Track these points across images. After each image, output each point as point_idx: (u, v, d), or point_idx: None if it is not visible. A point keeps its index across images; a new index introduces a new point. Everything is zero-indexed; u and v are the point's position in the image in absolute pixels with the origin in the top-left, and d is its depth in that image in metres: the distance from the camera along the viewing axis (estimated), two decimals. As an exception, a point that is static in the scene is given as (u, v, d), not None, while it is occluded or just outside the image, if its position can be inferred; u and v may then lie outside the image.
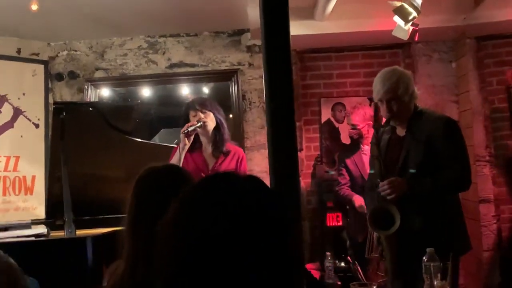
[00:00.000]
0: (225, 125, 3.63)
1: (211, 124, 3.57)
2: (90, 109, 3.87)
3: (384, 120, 3.26)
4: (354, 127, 3.83)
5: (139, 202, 1.81)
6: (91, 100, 5.17)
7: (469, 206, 4.87)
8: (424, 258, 2.55)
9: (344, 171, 4.51)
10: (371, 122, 3.94)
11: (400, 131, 3.18)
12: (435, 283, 2.43)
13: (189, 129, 3.48)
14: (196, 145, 3.65)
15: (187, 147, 3.49)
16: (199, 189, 1.24)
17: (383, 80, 3.09)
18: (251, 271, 1.15)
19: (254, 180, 1.27)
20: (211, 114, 3.57)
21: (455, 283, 2.52)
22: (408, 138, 3.10)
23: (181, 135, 3.49)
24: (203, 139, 3.65)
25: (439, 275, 2.44)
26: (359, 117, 4.47)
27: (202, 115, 3.56)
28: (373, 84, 3.19)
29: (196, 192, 1.23)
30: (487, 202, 4.72)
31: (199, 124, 3.52)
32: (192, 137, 3.53)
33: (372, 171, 3.32)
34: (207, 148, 3.64)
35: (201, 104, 3.59)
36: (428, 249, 2.54)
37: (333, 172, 4.95)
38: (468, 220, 4.85)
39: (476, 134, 4.74)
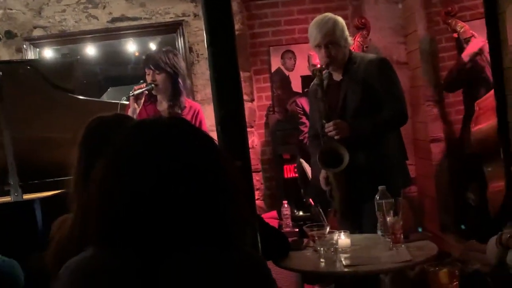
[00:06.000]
0: (181, 83, 3.54)
1: (163, 84, 3.49)
2: (28, 67, 3.69)
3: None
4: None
5: (89, 152, 1.74)
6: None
7: (420, 146, 4.94)
8: (376, 196, 2.57)
9: (304, 119, 4.48)
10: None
11: (337, 76, 3.28)
12: (388, 219, 2.46)
13: (135, 93, 3.39)
14: (151, 98, 3.58)
15: (137, 111, 3.40)
16: (125, 142, 1.19)
17: (319, 26, 3.17)
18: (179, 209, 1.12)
19: (178, 123, 1.23)
20: (164, 75, 3.47)
21: None
22: (345, 82, 3.21)
23: (130, 99, 3.41)
24: (158, 95, 3.57)
25: (391, 211, 2.46)
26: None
27: (153, 77, 3.47)
28: (308, 31, 3.26)
29: (122, 147, 1.19)
30: (438, 141, 4.78)
31: (148, 87, 3.44)
32: (141, 101, 3.45)
33: (312, 120, 3.46)
34: (163, 102, 3.57)
35: (155, 63, 3.48)
36: (380, 187, 2.58)
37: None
38: (421, 159, 4.94)
39: (425, 74, 4.75)
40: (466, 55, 4.36)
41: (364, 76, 3.14)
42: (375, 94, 3.12)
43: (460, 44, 4.53)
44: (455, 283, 1.70)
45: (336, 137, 3.08)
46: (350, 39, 3.25)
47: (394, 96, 3.15)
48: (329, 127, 3.09)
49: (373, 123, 3.10)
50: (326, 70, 3.27)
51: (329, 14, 3.27)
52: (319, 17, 3.27)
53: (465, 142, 4.43)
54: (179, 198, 1.11)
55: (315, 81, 3.29)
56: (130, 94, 3.39)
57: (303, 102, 4.50)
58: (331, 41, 3.14)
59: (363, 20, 4.65)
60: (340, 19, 3.23)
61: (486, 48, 3.90)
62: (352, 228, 2.92)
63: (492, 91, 3.65)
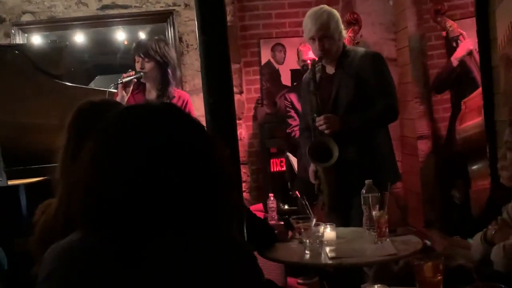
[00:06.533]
0: (171, 73, 3.52)
1: (152, 73, 3.48)
2: (16, 52, 3.65)
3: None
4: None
5: (78, 134, 1.73)
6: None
7: (407, 142, 4.97)
8: (362, 190, 2.58)
9: (292, 113, 4.48)
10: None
11: (330, 70, 3.26)
12: (374, 213, 2.47)
13: (124, 81, 3.38)
14: (140, 87, 3.56)
15: (125, 98, 3.39)
16: (114, 125, 1.18)
17: (314, 18, 3.14)
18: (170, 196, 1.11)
19: (168, 108, 1.23)
20: (153, 64, 3.46)
21: None
22: (338, 75, 3.19)
23: (118, 86, 3.41)
24: (147, 83, 3.56)
25: (377, 205, 2.47)
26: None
27: (142, 65, 3.46)
28: (303, 23, 3.24)
29: (111, 129, 1.18)
30: (425, 138, 4.80)
31: (137, 75, 3.43)
32: (130, 89, 3.43)
33: (303, 112, 3.43)
34: (152, 91, 3.55)
35: (145, 51, 3.47)
36: (366, 181, 2.59)
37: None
38: (407, 156, 4.97)
39: (414, 71, 4.77)
40: (455, 59, 4.38)
41: (358, 70, 3.13)
42: (368, 88, 3.11)
43: (449, 42, 4.55)
44: (439, 277, 1.70)
45: (326, 131, 3.07)
46: (344, 32, 3.24)
47: (387, 92, 3.15)
48: (319, 121, 3.08)
49: (365, 118, 3.10)
50: (319, 63, 3.26)
51: (324, 6, 3.24)
52: (314, 9, 3.24)
53: (452, 140, 4.46)
54: (169, 182, 1.10)
55: (308, 73, 3.28)
56: (119, 82, 3.39)
57: (292, 97, 4.50)
58: (325, 34, 3.12)
59: (355, 16, 4.66)
60: (335, 12, 3.21)
61: (475, 50, 3.93)
62: (340, 222, 2.93)
63: (479, 90, 3.68)
